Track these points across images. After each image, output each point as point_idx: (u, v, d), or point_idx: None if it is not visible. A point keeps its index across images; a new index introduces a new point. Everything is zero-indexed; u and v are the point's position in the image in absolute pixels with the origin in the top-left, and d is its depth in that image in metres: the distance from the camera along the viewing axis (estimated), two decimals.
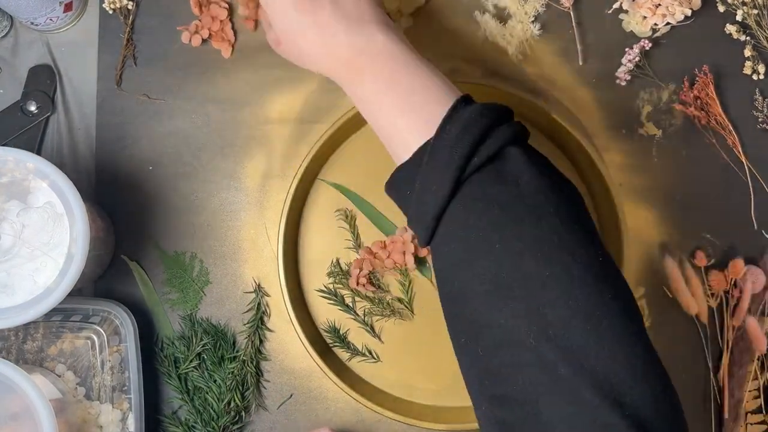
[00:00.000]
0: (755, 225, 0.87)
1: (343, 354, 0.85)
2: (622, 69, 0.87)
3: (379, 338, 0.85)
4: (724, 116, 0.84)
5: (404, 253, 0.84)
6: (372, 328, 0.85)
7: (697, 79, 0.87)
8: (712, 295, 0.87)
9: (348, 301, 0.85)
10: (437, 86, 0.65)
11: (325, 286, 0.85)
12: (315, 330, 0.85)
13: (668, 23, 0.88)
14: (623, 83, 0.88)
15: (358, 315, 0.85)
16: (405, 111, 0.64)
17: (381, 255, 0.85)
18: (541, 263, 0.56)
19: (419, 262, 0.85)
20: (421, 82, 0.65)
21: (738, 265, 0.85)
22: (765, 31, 0.88)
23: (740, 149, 0.87)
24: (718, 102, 0.86)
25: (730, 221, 0.88)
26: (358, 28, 0.67)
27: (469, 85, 0.84)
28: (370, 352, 0.85)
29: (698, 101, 0.85)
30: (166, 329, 0.86)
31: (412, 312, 0.85)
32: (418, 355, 0.85)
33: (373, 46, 0.66)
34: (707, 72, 0.87)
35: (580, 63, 0.89)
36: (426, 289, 0.85)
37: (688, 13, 0.88)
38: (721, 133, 0.85)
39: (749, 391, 0.85)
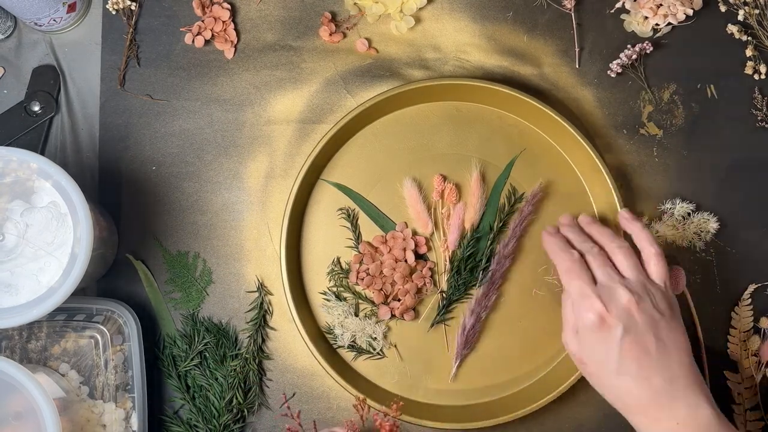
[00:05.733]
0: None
1: (345, 353, 0.85)
2: (615, 62, 0.87)
3: (380, 352, 0.85)
4: None
5: (405, 249, 0.84)
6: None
7: None
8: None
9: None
10: None
11: (329, 289, 0.86)
12: (317, 329, 0.85)
13: (669, 23, 0.88)
14: (613, 75, 0.88)
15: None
16: None
17: (382, 249, 0.85)
18: None
19: (419, 257, 0.85)
20: None
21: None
22: (766, 31, 0.88)
23: None
24: None
25: (730, 221, 0.88)
26: (683, 395, 0.68)
27: (471, 85, 0.85)
28: (374, 349, 0.85)
29: None
30: (169, 328, 0.86)
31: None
32: (420, 355, 0.85)
33: (694, 420, 0.68)
34: None
35: (578, 65, 0.89)
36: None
37: (690, 12, 0.88)
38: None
39: (746, 387, 0.85)
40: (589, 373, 0.73)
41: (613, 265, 0.74)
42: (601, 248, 0.76)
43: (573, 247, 0.77)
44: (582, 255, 0.75)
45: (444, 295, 0.85)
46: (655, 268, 0.74)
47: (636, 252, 0.76)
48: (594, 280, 0.73)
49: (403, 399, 0.84)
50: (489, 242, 0.85)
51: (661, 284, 0.74)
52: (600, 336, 0.70)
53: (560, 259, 0.75)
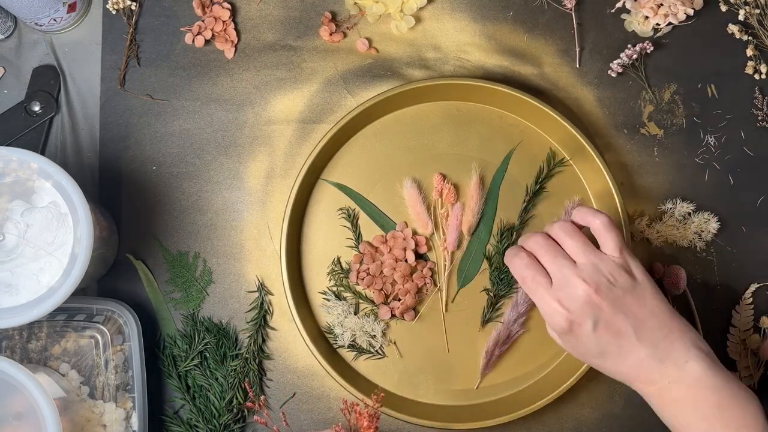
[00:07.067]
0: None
1: (345, 353, 0.85)
2: (616, 62, 0.87)
3: (380, 351, 0.85)
4: None
5: (405, 249, 0.84)
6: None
7: None
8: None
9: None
10: (745, 399, 0.67)
11: (329, 289, 0.86)
12: (317, 329, 0.85)
13: (670, 23, 0.88)
14: (613, 75, 0.88)
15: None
16: (715, 423, 0.66)
17: (382, 249, 0.85)
18: None
19: (419, 256, 0.85)
20: (730, 401, 0.67)
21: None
22: (767, 31, 0.88)
23: None
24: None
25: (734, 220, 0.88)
26: (667, 354, 0.68)
27: (471, 85, 0.85)
28: (373, 348, 0.85)
29: None
30: (169, 328, 0.86)
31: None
32: (420, 355, 0.85)
33: (684, 376, 0.68)
34: None
35: (578, 65, 0.89)
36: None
37: (690, 12, 0.88)
38: None
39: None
40: (578, 358, 0.73)
41: (564, 253, 0.71)
42: (549, 238, 0.73)
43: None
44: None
45: (491, 293, 0.85)
46: (605, 239, 0.71)
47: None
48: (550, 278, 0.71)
49: (403, 399, 0.84)
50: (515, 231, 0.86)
51: (615, 255, 0.70)
52: (574, 336, 0.70)
53: (512, 267, 0.73)
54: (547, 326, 0.73)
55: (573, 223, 0.73)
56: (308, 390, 0.86)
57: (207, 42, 0.88)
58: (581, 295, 0.69)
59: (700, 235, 0.86)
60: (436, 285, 0.85)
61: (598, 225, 0.72)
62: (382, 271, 0.84)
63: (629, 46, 0.87)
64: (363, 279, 0.84)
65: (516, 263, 0.73)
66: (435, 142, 0.87)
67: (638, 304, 0.69)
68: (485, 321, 0.85)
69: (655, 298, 0.70)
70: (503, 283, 0.85)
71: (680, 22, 0.88)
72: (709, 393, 0.67)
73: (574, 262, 0.70)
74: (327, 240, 0.86)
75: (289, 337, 0.86)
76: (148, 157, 0.88)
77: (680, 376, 0.67)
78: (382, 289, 0.84)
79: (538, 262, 0.72)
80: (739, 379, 0.68)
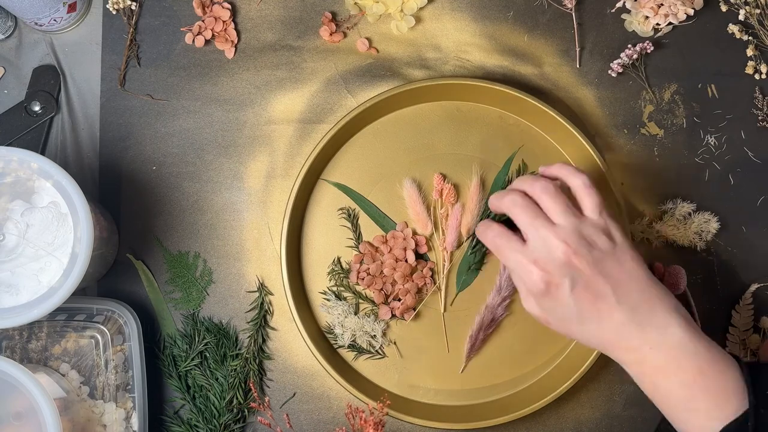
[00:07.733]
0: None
1: (345, 353, 0.85)
2: (616, 61, 0.87)
3: (380, 351, 0.85)
4: None
5: (405, 248, 0.85)
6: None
7: None
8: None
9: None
10: (726, 365, 0.66)
11: (329, 289, 0.86)
12: (317, 329, 0.85)
13: (670, 23, 0.88)
14: (614, 74, 0.88)
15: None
16: (696, 390, 0.65)
17: (382, 249, 0.85)
18: None
19: (419, 256, 0.85)
20: (711, 366, 0.66)
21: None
22: (767, 31, 0.88)
23: None
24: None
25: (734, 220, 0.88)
26: (647, 318, 0.67)
27: (472, 85, 0.85)
28: (373, 348, 0.85)
29: None
30: (169, 328, 0.86)
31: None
32: (420, 355, 0.85)
33: (665, 341, 0.66)
34: None
35: (578, 65, 0.89)
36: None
37: (691, 12, 0.88)
38: None
39: None
40: (556, 329, 0.71)
41: (543, 213, 0.69)
42: (526, 197, 0.71)
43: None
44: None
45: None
46: (585, 200, 0.70)
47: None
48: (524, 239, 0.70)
49: (403, 399, 0.84)
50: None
51: (595, 217, 0.69)
52: (552, 297, 0.68)
53: (486, 240, 0.72)
54: (524, 297, 0.71)
55: (553, 182, 0.71)
56: (308, 390, 0.86)
57: (207, 42, 0.88)
58: (560, 256, 0.67)
59: (700, 235, 0.86)
60: (435, 285, 0.85)
61: (579, 184, 0.70)
62: (382, 271, 0.84)
63: (629, 46, 0.87)
64: (363, 279, 0.84)
65: (489, 235, 0.72)
66: (435, 142, 0.87)
67: (618, 267, 0.68)
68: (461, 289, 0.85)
69: (634, 261, 0.68)
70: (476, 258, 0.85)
71: (680, 22, 0.88)
72: (691, 358, 0.65)
73: (553, 223, 0.69)
74: (327, 240, 0.86)
75: (289, 337, 0.86)
76: (148, 157, 0.88)
77: (661, 341, 0.66)
78: (382, 289, 0.84)
79: (511, 226, 0.71)
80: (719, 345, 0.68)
